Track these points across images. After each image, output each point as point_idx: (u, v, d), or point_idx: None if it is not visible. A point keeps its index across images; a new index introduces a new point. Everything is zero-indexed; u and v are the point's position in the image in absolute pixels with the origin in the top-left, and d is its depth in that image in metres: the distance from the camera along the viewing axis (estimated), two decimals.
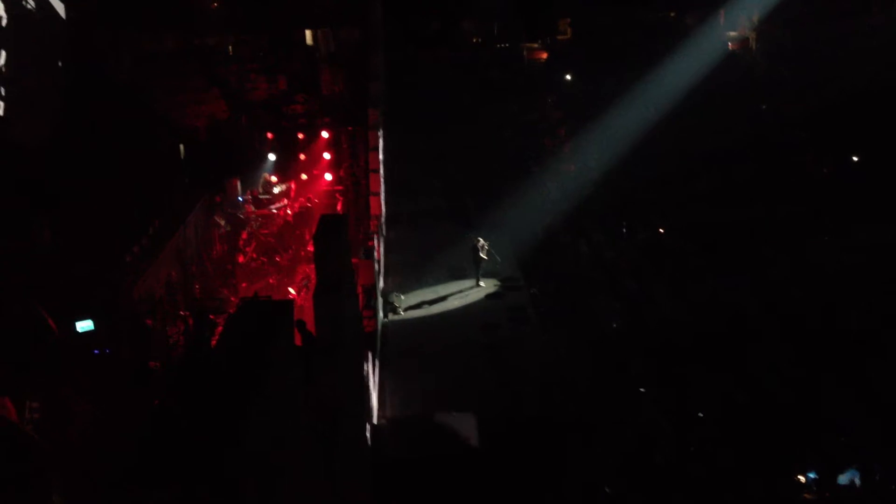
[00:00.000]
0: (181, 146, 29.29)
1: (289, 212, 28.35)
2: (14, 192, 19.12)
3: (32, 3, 23.67)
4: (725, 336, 19.78)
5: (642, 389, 18.27)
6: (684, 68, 31.82)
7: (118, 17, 28.00)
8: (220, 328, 20.14)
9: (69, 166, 21.85)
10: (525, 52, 38.60)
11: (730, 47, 35.76)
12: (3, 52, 21.60)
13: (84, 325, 17.50)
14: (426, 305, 22.81)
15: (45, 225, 19.99)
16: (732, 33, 36.25)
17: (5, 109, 21.56)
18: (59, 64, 25.02)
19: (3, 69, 21.58)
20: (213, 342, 18.92)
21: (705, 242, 24.55)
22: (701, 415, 17.28)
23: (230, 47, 32.48)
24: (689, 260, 24.20)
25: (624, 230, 26.41)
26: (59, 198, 20.63)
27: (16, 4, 22.69)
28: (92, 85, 25.41)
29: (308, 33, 33.93)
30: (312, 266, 18.63)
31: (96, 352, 17.67)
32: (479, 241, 23.69)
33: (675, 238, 25.54)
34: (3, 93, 21.48)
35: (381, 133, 27.03)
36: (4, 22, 21.90)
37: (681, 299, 22.14)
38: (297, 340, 13.80)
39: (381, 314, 21.67)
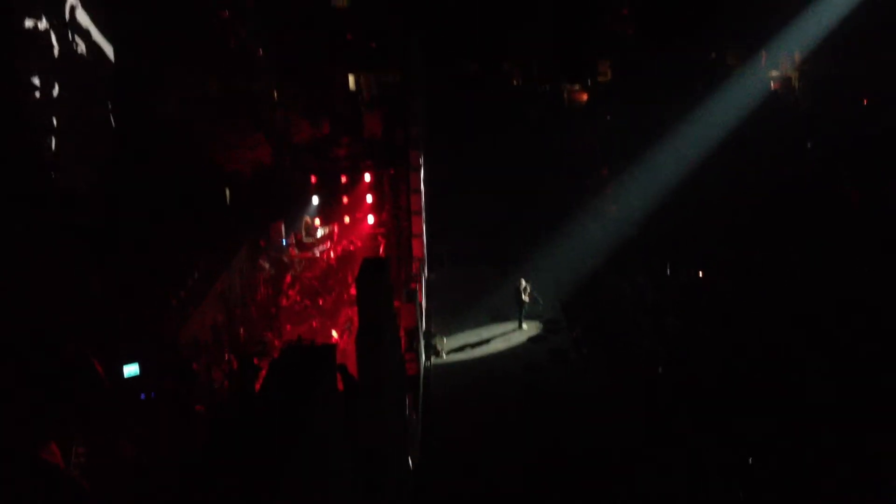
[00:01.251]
0: (226, 190, 29.73)
1: (332, 255, 28.58)
2: (63, 237, 19.47)
3: (83, 48, 24.31)
4: (772, 378, 19.37)
5: (687, 432, 17.93)
6: (726, 108, 31.64)
7: (166, 61, 28.66)
8: (263, 372, 20.23)
9: (116, 211, 22.26)
10: (565, 94, 38.70)
11: (772, 86, 35.54)
12: (55, 98, 22.12)
13: (130, 370, 17.71)
14: (468, 348, 22.71)
15: (93, 270, 20.33)
16: (774, 72, 36.03)
17: (55, 155, 22.01)
18: (108, 108, 25.58)
19: (54, 115, 22.08)
20: (257, 386, 19.03)
21: (750, 282, 24.19)
22: (749, 460, 16.90)
23: (275, 92, 33.06)
24: (733, 300, 23.82)
25: (668, 271, 26.14)
26: (107, 242, 20.98)
27: (67, 49, 23.30)
28: (139, 129, 25.96)
29: (351, 78, 34.45)
30: (355, 309, 18.68)
31: (143, 396, 17.86)
32: (521, 282, 23.62)
33: (719, 278, 25.19)
34: (53, 138, 21.96)
35: (422, 175, 27.19)
36: (56, 66, 22.46)
37: (726, 340, 21.76)
38: (340, 385, 13.81)
39: (423, 357, 21.62)
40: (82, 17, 24.11)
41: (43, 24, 21.77)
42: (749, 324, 22.24)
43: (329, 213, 30.51)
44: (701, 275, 25.50)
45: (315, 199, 30.52)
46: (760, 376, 19.44)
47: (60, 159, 21.82)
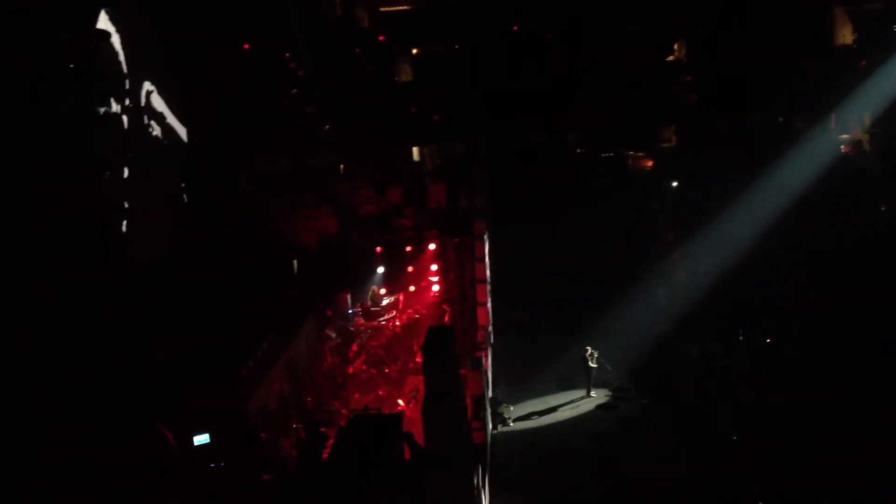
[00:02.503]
0: (294, 261, 30.27)
1: (397, 323, 28.72)
2: (134, 310, 19.96)
3: (158, 130, 25.26)
4: (848, 448, 18.67)
5: None
6: (795, 172, 31.17)
7: (236, 139, 29.58)
8: (331, 441, 20.27)
9: (186, 284, 22.80)
10: (630, 161, 38.66)
11: (842, 150, 34.97)
12: (127, 176, 22.93)
13: (201, 439, 17.92)
14: (535, 416, 22.46)
15: (163, 342, 20.77)
16: (845, 136, 35.47)
17: (127, 230, 22.71)
18: (180, 184, 26.41)
19: (127, 192, 22.84)
20: (325, 455, 19.06)
21: (824, 349, 23.50)
22: None
23: (341, 166, 33.75)
24: (807, 367, 23.15)
25: (740, 337, 25.58)
26: (177, 315, 21.45)
27: (142, 130, 24.24)
28: (209, 204, 26.70)
29: (415, 149, 35.05)
30: (421, 377, 18.68)
31: (212, 465, 18.02)
32: (588, 350, 23.39)
33: (792, 344, 24.55)
34: (125, 215, 22.70)
35: (486, 243, 27.32)
36: (130, 145, 23.34)
37: (800, 409, 21.10)
38: (407, 453, 13.75)
39: (489, 425, 21.43)
40: (157, 102, 25.16)
41: (118, 107, 22.75)
42: (823, 391, 21.57)
43: (394, 281, 30.78)
44: (770, 341, 24.90)
45: (380, 269, 30.86)
46: (835, 446, 18.78)
47: (132, 234, 22.49)
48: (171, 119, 26.02)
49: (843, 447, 18.73)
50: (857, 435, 19.37)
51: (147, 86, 24.38)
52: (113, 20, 22.18)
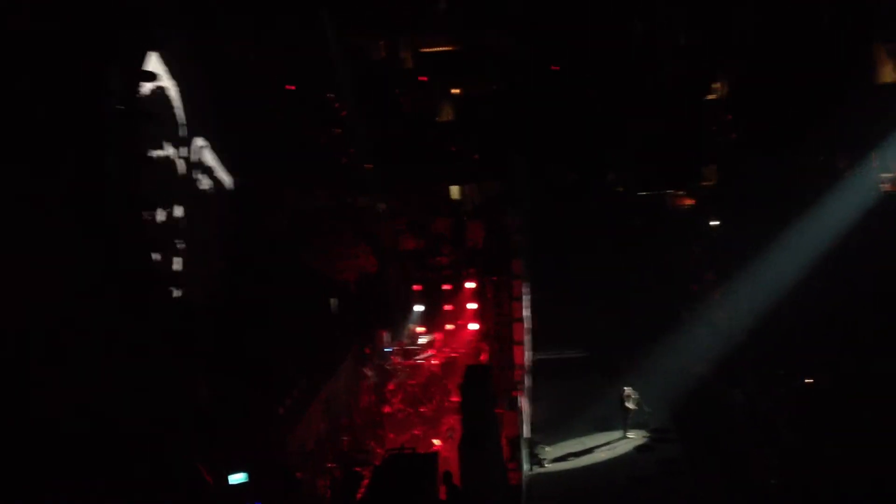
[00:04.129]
0: (333, 299, 30.50)
1: (434, 362, 28.75)
2: (174, 347, 20.24)
3: (206, 183, 25.78)
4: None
5: None
6: (837, 211, 30.77)
7: (281, 182, 30.02)
8: (366, 481, 20.27)
9: (227, 320, 23.10)
10: (669, 199, 38.52)
11: (884, 188, 34.50)
12: (176, 219, 23.41)
13: (237, 478, 18.02)
14: (572, 458, 22.23)
15: (205, 380, 20.99)
16: (887, 174, 35.02)
17: (178, 270, 23.12)
18: (225, 227, 26.87)
19: (175, 235, 23.30)
20: (359, 495, 19.06)
21: (870, 391, 23.01)
22: None
23: (381, 205, 34.09)
24: (852, 410, 22.67)
25: (782, 378, 25.17)
26: (220, 352, 21.71)
27: (190, 179, 24.78)
28: (251, 241, 27.10)
29: (454, 188, 35.31)
30: (457, 417, 18.67)
31: None
32: (626, 390, 23.17)
33: (837, 387, 24.07)
34: (173, 256, 23.14)
35: (524, 283, 27.32)
36: (178, 192, 23.86)
37: (847, 453, 20.63)
38: (442, 493, 13.73)
39: (526, 466, 21.26)
40: (208, 156, 25.78)
41: (170, 151, 23.33)
42: (868, 436, 21.08)
43: (432, 320, 30.86)
44: (813, 382, 24.44)
45: (418, 307, 30.98)
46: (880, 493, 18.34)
47: (180, 275, 22.90)
48: (220, 172, 26.64)
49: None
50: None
51: (197, 135, 24.98)
52: (164, 63, 22.84)
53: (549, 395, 26.01)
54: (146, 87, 21.63)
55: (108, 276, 18.45)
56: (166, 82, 23.08)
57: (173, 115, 23.67)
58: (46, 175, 17.45)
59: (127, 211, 19.95)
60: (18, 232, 16.14)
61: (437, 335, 30.34)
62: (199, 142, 25.12)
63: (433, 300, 31.54)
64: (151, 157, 22.05)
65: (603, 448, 22.58)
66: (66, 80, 18.22)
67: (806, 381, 24.46)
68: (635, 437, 23.01)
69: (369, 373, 27.94)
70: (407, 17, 33.51)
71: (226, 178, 26.87)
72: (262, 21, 28.28)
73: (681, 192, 38.92)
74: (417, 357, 29.08)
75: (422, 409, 26.09)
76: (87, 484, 15.70)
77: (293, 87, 31.55)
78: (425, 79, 35.12)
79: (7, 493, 14.18)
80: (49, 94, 17.60)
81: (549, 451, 22.31)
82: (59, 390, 16.62)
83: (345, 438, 24.29)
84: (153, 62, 22.18)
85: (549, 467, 21.77)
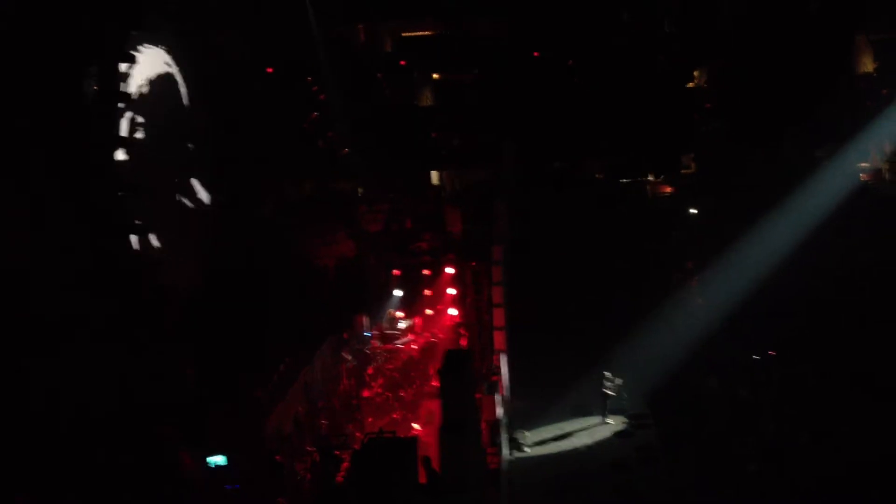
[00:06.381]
0: (312, 284, 30.33)
1: (414, 347, 28.70)
2: (161, 333, 20.15)
3: (186, 155, 25.54)
4: (872, 480, 18.37)
5: None
6: (815, 200, 31.03)
7: (259, 162, 29.79)
8: (345, 464, 20.23)
9: (210, 306, 22.98)
10: (649, 187, 38.59)
11: (861, 178, 34.80)
12: (156, 199, 23.16)
13: (216, 460, 17.94)
14: (552, 442, 22.28)
15: (188, 363, 20.90)
16: (864, 164, 35.33)
17: (155, 252, 22.94)
18: (207, 207, 26.68)
19: (155, 215, 23.10)
20: (339, 479, 19.02)
21: (847, 379, 23.22)
22: None
23: (360, 189, 33.91)
24: (829, 398, 22.87)
25: (761, 367, 25.31)
26: (202, 336, 21.62)
27: (171, 154, 24.53)
28: (236, 228, 26.94)
29: (434, 173, 35.18)
30: (436, 401, 18.64)
31: (227, 487, 18.01)
32: (605, 375, 23.22)
33: (814, 375, 24.27)
34: (157, 238, 22.96)
35: (504, 268, 27.28)
36: (160, 168, 23.63)
37: (824, 441, 20.81)
38: (422, 477, 13.68)
39: (505, 451, 21.28)
40: (185, 127, 25.53)
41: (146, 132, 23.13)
42: (845, 422, 21.29)
43: (411, 305, 30.79)
44: (789, 370, 24.61)
45: (398, 292, 30.90)
46: (859, 477, 18.50)
47: (160, 256, 22.77)
48: (198, 142, 26.38)
49: (865, 479, 18.47)
50: (883, 463, 19.07)
51: (177, 110, 24.74)
52: (142, 45, 22.62)
53: (529, 380, 26.01)
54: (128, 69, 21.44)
55: (91, 263, 18.32)
56: (148, 65, 22.87)
57: (151, 94, 23.44)
58: (28, 164, 17.31)
59: (109, 196, 19.78)
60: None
61: (417, 320, 30.28)
62: (177, 123, 24.89)
63: (413, 285, 31.45)
64: (132, 140, 21.87)
65: (582, 433, 22.63)
66: (46, 66, 18.06)
67: (786, 369, 24.58)
68: (614, 423, 23.09)
69: (348, 357, 27.84)
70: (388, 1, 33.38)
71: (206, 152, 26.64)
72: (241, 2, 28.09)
73: (661, 180, 39.02)
74: (397, 341, 29.01)
75: (401, 394, 26.06)
76: (67, 466, 15.60)
77: (271, 70, 31.32)
78: (405, 63, 34.96)
79: None
80: (29, 82, 17.47)
81: (529, 436, 22.33)
82: (46, 378, 16.50)
83: (323, 422, 24.21)
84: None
85: (530, 452, 21.81)
